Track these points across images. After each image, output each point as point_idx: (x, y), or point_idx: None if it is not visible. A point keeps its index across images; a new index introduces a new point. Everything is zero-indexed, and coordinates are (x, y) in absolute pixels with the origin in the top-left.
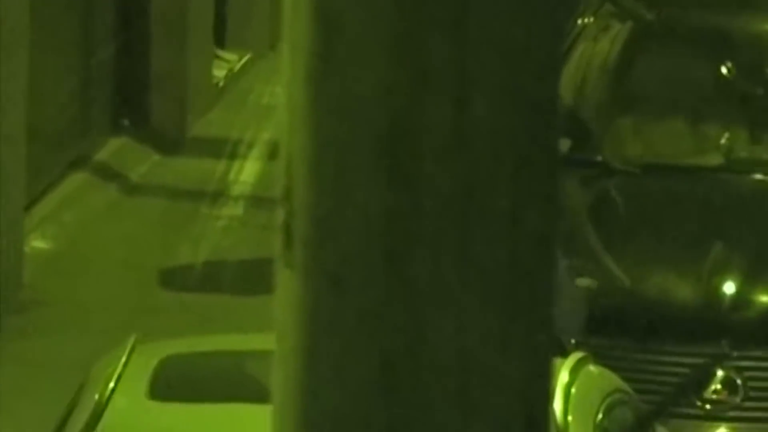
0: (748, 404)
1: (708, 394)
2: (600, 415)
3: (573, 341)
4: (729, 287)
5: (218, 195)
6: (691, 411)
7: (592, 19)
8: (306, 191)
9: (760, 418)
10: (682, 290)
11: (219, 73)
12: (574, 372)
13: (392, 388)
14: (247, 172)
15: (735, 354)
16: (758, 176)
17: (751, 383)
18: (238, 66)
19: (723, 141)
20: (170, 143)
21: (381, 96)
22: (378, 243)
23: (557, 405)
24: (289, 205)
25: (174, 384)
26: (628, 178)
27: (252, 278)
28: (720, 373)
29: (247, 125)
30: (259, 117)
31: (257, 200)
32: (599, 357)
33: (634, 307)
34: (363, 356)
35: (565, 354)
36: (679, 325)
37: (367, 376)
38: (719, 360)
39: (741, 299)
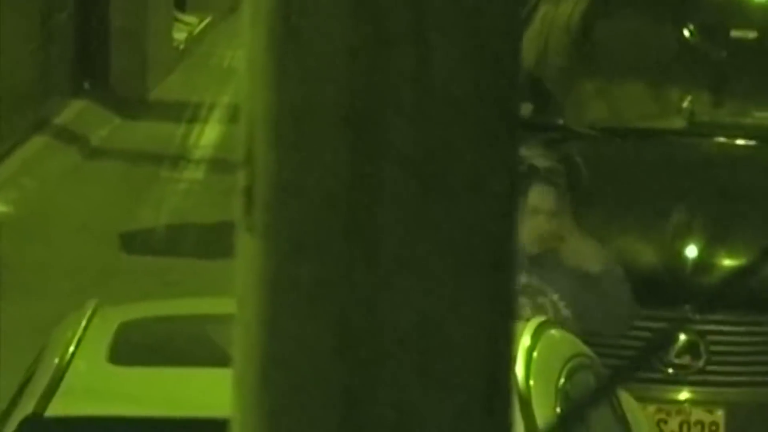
0: (710, 368)
1: (670, 358)
2: (562, 380)
3: None
4: (691, 251)
5: (179, 158)
6: (654, 375)
7: None
8: (267, 155)
9: (722, 381)
10: (645, 254)
11: (179, 36)
12: (535, 336)
13: (352, 353)
14: (208, 135)
15: (697, 318)
16: (721, 139)
17: (713, 347)
18: (198, 29)
19: (685, 104)
20: (131, 106)
21: (342, 60)
22: (340, 208)
23: (519, 369)
24: (251, 169)
25: (134, 348)
26: (590, 142)
27: (213, 242)
28: (682, 337)
29: (208, 88)
30: (220, 80)
31: (218, 164)
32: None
33: None
34: (323, 322)
35: (527, 318)
36: (641, 288)
37: (327, 341)
38: (682, 324)
39: (703, 263)
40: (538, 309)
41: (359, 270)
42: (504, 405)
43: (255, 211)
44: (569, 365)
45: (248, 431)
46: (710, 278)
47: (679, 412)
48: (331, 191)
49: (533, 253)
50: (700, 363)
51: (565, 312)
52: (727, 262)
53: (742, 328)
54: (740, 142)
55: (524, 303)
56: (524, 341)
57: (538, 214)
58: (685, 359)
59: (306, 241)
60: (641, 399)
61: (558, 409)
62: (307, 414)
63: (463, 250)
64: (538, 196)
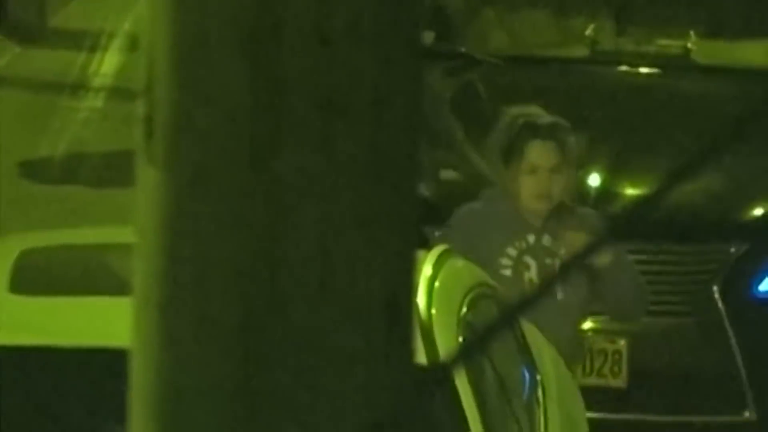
0: None
1: None
2: (464, 309)
3: (437, 234)
4: (594, 180)
5: (79, 87)
6: None
7: None
8: (168, 84)
9: None
10: None
11: None
12: (437, 265)
13: (253, 280)
14: (108, 64)
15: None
16: (623, 68)
17: None
18: None
19: (588, 32)
20: (30, 35)
21: None
22: (241, 137)
23: (421, 298)
24: (151, 99)
25: (35, 277)
26: (492, 70)
27: (112, 171)
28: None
29: (107, 16)
30: (119, 8)
31: (119, 92)
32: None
33: None
34: (225, 250)
35: (428, 247)
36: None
37: (228, 270)
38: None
39: (606, 192)
40: (545, 269)
41: (261, 198)
42: (405, 333)
43: (155, 141)
44: (471, 295)
45: (149, 360)
46: (613, 207)
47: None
48: (233, 121)
49: (541, 211)
50: None
51: (576, 277)
52: (630, 191)
53: (644, 257)
54: (643, 70)
55: (530, 263)
56: (426, 270)
57: (536, 171)
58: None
59: (207, 172)
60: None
61: (460, 339)
62: (208, 340)
63: (366, 177)
64: (537, 152)
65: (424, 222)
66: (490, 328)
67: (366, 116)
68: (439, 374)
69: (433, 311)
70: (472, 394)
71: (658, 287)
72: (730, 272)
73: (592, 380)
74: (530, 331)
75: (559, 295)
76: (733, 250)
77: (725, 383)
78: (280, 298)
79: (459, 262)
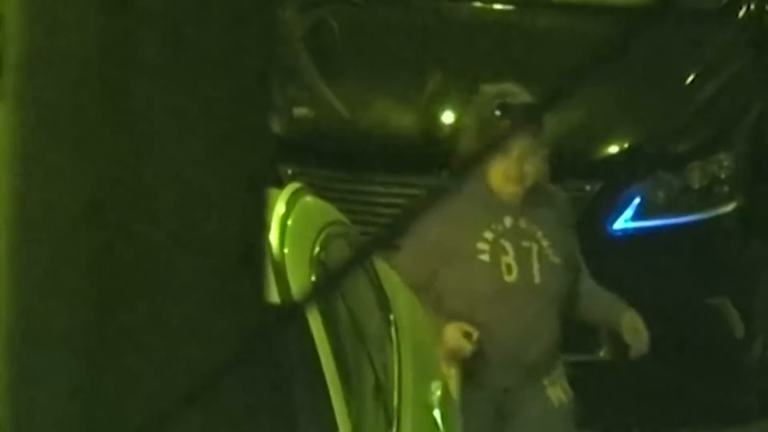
0: None
1: None
2: (317, 248)
3: (290, 172)
4: (448, 117)
5: None
6: None
7: None
8: (18, 17)
9: None
10: (401, 120)
11: None
12: (290, 203)
13: (104, 217)
14: None
15: (453, 185)
16: (477, 4)
17: None
18: None
19: None
20: None
21: None
22: (93, 71)
23: (273, 237)
24: (1, 32)
25: None
26: (346, 6)
27: None
28: None
29: None
30: None
31: None
32: (316, 188)
33: (352, 137)
34: (77, 189)
35: (281, 185)
36: (397, 155)
37: (79, 207)
38: (438, 192)
39: (460, 130)
40: (522, 253)
41: (113, 134)
42: (257, 272)
43: (5, 75)
44: (325, 233)
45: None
46: None
47: None
48: (84, 54)
49: (514, 193)
50: None
51: (555, 259)
52: None
53: None
54: (497, 6)
55: (507, 247)
56: (279, 208)
57: (509, 153)
58: None
59: (58, 109)
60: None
61: (313, 278)
62: (58, 272)
63: (217, 116)
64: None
65: (278, 160)
66: (343, 267)
67: (217, 53)
68: (292, 313)
69: (286, 250)
70: (325, 333)
71: None
72: (585, 210)
73: None
74: (384, 270)
75: (537, 279)
76: (588, 188)
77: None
78: (133, 238)
79: (312, 201)
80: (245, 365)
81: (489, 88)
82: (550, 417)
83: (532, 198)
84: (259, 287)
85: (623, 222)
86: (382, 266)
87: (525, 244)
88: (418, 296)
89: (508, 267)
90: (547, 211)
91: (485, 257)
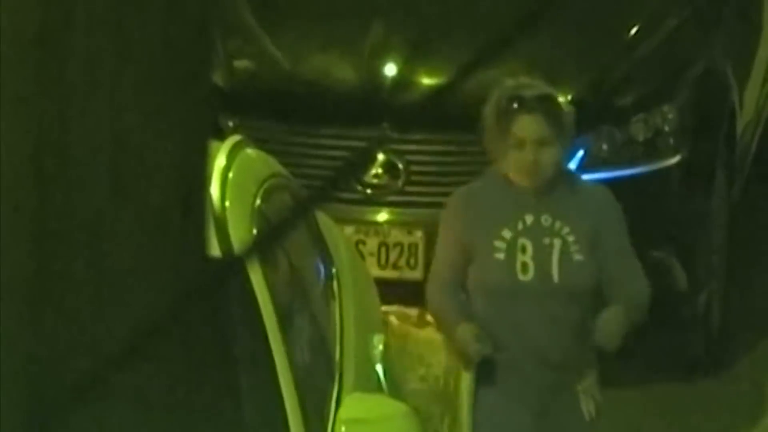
0: (409, 188)
1: (369, 178)
2: (258, 200)
3: (231, 124)
4: (390, 69)
5: None
6: (352, 196)
7: None
8: None
9: (421, 202)
10: (343, 72)
11: None
12: (231, 156)
13: (44, 174)
14: None
15: (396, 137)
16: None
17: (412, 167)
18: None
19: None
20: None
21: None
22: (30, 23)
23: (214, 190)
24: None
25: None
26: None
27: None
28: (381, 156)
29: None
30: None
31: None
32: (257, 140)
33: (294, 89)
34: (17, 143)
35: (222, 137)
36: (339, 107)
37: (19, 163)
38: (380, 143)
39: (402, 81)
40: (542, 251)
41: (52, 89)
42: (198, 224)
43: None
44: (266, 185)
45: None
46: (409, 96)
47: (377, 233)
48: (21, 6)
49: (531, 186)
50: (399, 183)
51: (579, 256)
52: (426, 81)
53: (440, 147)
54: None
55: (526, 245)
56: (220, 161)
57: (523, 145)
58: (384, 179)
59: None
60: (339, 220)
61: (255, 231)
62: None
63: (158, 66)
64: (522, 125)
65: (219, 112)
66: (285, 220)
67: (158, 5)
68: (233, 265)
69: (227, 203)
70: (266, 286)
71: (454, 178)
72: None
73: (389, 273)
74: (325, 223)
75: (556, 278)
76: None
77: None
78: (72, 189)
79: (253, 153)
80: (187, 318)
81: (509, 81)
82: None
83: (556, 191)
84: (200, 240)
85: None
86: (323, 219)
87: (546, 241)
88: (462, 292)
89: (524, 266)
90: (574, 205)
91: (500, 255)
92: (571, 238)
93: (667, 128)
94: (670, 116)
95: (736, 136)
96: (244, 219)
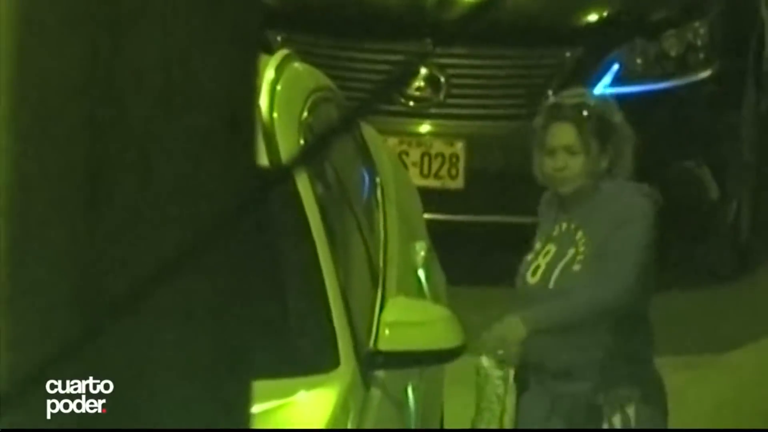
0: (450, 101)
1: (412, 91)
2: (305, 112)
3: (279, 38)
4: None
5: None
6: (396, 108)
7: None
8: None
9: (461, 114)
10: None
11: None
12: (279, 69)
13: (98, 88)
14: None
15: (438, 52)
16: None
17: (453, 80)
18: None
19: None
20: None
21: None
22: None
23: (263, 102)
24: None
25: None
26: None
27: None
28: (423, 70)
29: None
30: None
31: None
32: (305, 54)
33: (340, 4)
34: (70, 59)
35: (270, 51)
36: (384, 22)
37: (74, 77)
38: (423, 58)
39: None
40: (557, 257)
41: (103, 9)
42: (247, 136)
43: None
44: (312, 98)
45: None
46: (451, 13)
47: (420, 144)
48: None
49: (561, 191)
50: (441, 96)
51: (577, 267)
52: None
53: (480, 62)
54: None
55: (551, 249)
56: (268, 74)
57: (553, 153)
58: (426, 92)
59: None
60: (383, 132)
61: (301, 141)
62: (54, 146)
63: None
64: (552, 132)
65: (267, 27)
66: (330, 131)
67: None
68: (281, 175)
69: (275, 114)
70: (313, 195)
71: (494, 91)
72: (565, 77)
73: (431, 182)
74: (370, 134)
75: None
76: (568, 54)
77: None
78: (123, 105)
79: (300, 67)
80: (235, 227)
81: (563, 92)
82: None
83: (587, 200)
84: (250, 151)
85: (603, 87)
86: (368, 131)
87: (566, 248)
88: None
89: (536, 269)
90: (598, 214)
91: (530, 256)
92: (582, 248)
93: (698, 43)
94: (702, 31)
95: (764, 51)
96: (292, 130)
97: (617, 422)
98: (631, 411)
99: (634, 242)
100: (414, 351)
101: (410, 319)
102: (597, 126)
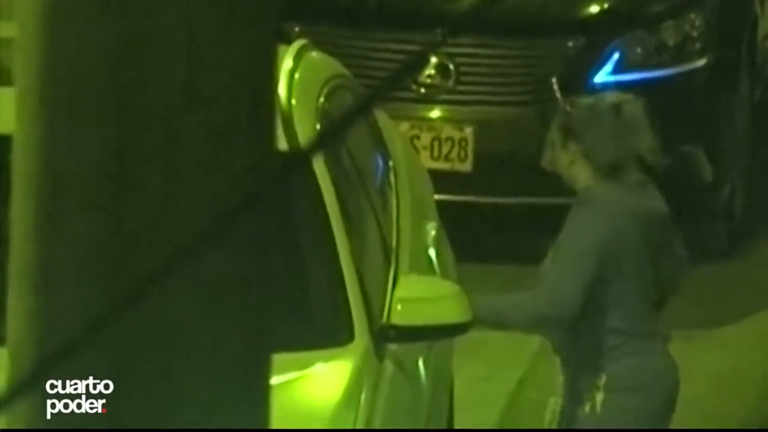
0: (460, 88)
1: (423, 78)
2: (322, 99)
3: (297, 29)
4: None
5: None
6: (408, 94)
7: None
8: None
9: (470, 101)
10: None
11: None
12: (297, 58)
13: (124, 76)
14: None
15: (448, 41)
16: None
17: (462, 68)
18: None
19: None
20: None
21: None
22: None
23: (282, 90)
24: None
25: None
26: None
27: None
28: (434, 59)
29: None
30: None
31: None
32: (321, 44)
33: None
34: (100, 44)
35: (288, 41)
36: (397, 14)
37: (103, 61)
38: (433, 47)
39: None
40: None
41: (131, 2)
42: (267, 122)
43: None
44: (329, 85)
45: (29, 145)
46: (460, 6)
47: (430, 129)
48: None
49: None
50: (450, 83)
51: (546, 263)
52: None
53: (488, 51)
54: None
55: None
56: (287, 63)
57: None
58: (437, 80)
59: None
60: (396, 117)
61: (318, 126)
62: (83, 133)
63: None
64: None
65: (285, 18)
66: (346, 117)
67: None
68: (299, 158)
69: (293, 101)
70: (329, 177)
71: (500, 79)
72: (568, 65)
73: (441, 164)
74: (383, 120)
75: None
76: (571, 44)
77: None
78: (148, 87)
79: (317, 56)
80: (256, 208)
81: None
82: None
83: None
84: (269, 136)
85: (604, 75)
86: (381, 116)
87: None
88: None
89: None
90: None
91: None
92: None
93: (695, 34)
94: (698, 23)
95: (757, 42)
96: (309, 116)
97: (588, 408)
98: (599, 396)
99: (567, 248)
100: (425, 326)
101: (422, 295)
102: (572, 123)
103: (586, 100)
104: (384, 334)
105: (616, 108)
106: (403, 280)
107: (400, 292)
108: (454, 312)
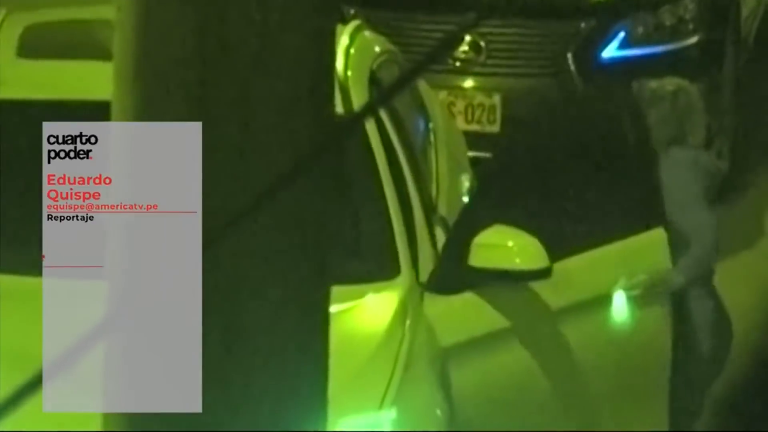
0: (489, 62)
1: (458, 54)
2: (373, 71)
3: (351, 11)
4: None
5: None
6: (445, 67)
7: None
8: None
9: (498, 72)
10: None
11: None
12: (352, 36)
13: (205, 54)
14: None
15: (480, 23)
16: None
17: (491, 45)
18: None
19: None
20: None
21: None
22: None
23: (339, 64)
24: None
25: (37, 45)
26: None
27: None
28: (468, 38)
29: None
30: None
31: None
32: (372, 24)
33: None
34: (185, 24)
35: (345, 22)
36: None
37: (187, 41)
38: (468, 28)
39: None
40: None
41: None
42: (327, 91)
43: None
44: (379, 60)
45: (124, 111)
46: None
47: (464, 96)
48: None
49: None
50: (481, 58)
51: None
52: None
53: (513, 30)
54: None
55: None
56: (343, 40)
57: None
58: (470, 55)
59: None
60: (435, 86)
61: (369, 94)
62: (170, 104)
63: None
64: None
65: (342, 2)
66: (394, 86)
67: None
68: (354, 121)
69: (349, 73)
70: (379, 137)
71: (525, 54)
72: (581, 42)
73: (473, 126)
74: (423, 87)
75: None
76: (583, 25)
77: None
78: (227, 68)
79: (369, 35)
80: (318, 162)
81: None
82: None
83: None
84: (329, 102)
85: (612, 51)
86: (423, 86)
87: None
88: None
89: None
90: None
91: None
92: None
93: (687, 16)
94: (691, 7)
95: (740, 21)
96: (362, 86)
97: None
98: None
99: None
100: (506, 269)
101: (503, 242)
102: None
103: (650, 84)
104: (465, 276)
105: (674, 94)
106: (489, 229)
107: (483, 239)
108: (534, 259)
